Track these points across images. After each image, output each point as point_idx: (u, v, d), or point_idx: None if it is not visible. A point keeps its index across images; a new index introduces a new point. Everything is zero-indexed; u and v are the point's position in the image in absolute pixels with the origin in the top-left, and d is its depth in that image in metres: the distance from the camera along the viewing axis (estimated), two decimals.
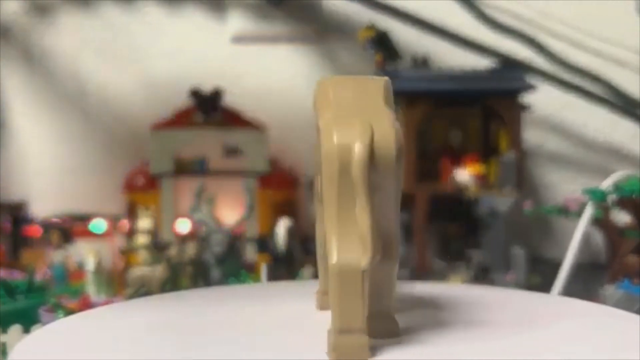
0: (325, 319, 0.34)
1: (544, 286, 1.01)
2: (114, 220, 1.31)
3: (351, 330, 0.30)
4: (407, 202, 1.15)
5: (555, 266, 0.93)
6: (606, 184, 0.88)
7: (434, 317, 0.40)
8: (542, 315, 0.42)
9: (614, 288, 0.80)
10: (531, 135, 1.44)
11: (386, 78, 0.36)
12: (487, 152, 1.21)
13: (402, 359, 0.31)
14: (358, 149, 0.30)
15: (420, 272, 1.07)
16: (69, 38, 1.47)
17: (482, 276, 1.06)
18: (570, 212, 1.02)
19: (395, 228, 0.33)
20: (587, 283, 1.12)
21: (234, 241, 0.89)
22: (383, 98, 0.34)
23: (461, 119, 1.24)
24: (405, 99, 1.11)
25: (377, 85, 0.35)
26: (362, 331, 0.30)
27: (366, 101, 0.34)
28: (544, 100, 1.42)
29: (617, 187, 0.87)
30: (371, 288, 0.33)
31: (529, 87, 1.14)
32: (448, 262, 1.13)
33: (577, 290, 0.64)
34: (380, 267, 0.32)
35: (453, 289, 0.51)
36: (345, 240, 0.30)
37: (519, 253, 1.10)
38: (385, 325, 0.33)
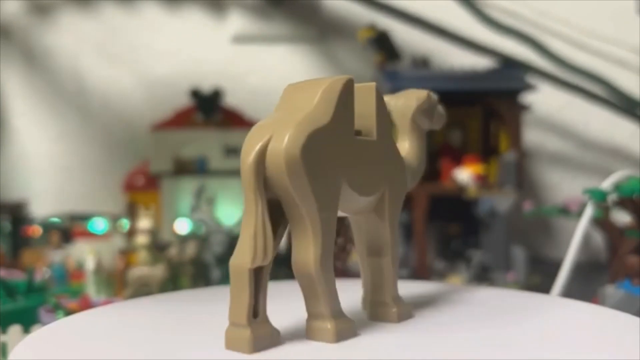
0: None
1: (544, 286, 1.01)
2: (114, 220, 1.31)
3: (237, 324, 0.32)
4: (406, 202, 1.15)
5: (555, 266, 0.92)
6: (606, 184, 0.88)
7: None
8: (539, 316, 0.42)
9: (615, 288, 0.80)
10: (531, 135, 1.44)
11: (347, 79, 0.36)
12: (487, 152, 1.21)
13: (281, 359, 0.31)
14: (249, 157, 0.33)
15: (420, 272, 1.07)
16: (69, 38, 1.47)
17: (482, 276, 1.06)
18: (570, 213, 1.02)
19: (314, 233, 0.33)
20: (587, 283, 1.11)
21: (234, 241, 0.89)
22: (322, 102, 0.34)
23: (461, 119, 1.24)
24: None
25: (323, 89, 0.35)
26: (245, 326, 0.32)
27: (300, 106, 0.34)
28: (544, 100, 1.42)
29: (617, 187, 0.87)
30: (304, 291, 0.35)
31: (529, 87, 1.14)
32: (448, 262, 1.13)
33: (577, 290, 0.64)
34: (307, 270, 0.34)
35: (451, 289, 0.51)
36: (244, 242, 0.33)
37: (518, 253, 1.10)
38: (320, 328, 0.34)
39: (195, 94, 1.20)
